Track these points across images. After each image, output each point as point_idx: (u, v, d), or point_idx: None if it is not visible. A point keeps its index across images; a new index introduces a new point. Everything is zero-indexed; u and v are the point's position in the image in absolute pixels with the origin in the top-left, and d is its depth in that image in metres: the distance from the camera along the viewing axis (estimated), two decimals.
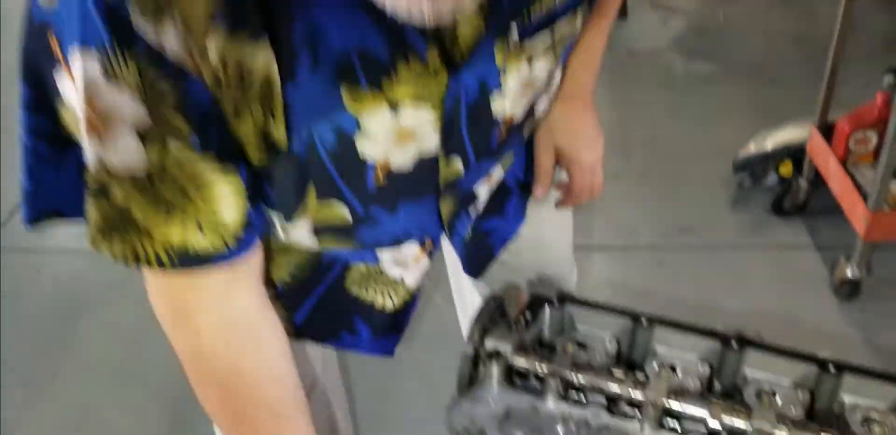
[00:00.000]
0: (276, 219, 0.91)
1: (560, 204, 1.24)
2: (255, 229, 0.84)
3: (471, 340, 0.91)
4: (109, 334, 2.31)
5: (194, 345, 0.86)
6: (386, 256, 1.03)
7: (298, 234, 0.94)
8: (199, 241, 0.79)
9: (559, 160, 1.18)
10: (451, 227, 1.07)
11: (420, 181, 0.92)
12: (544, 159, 1.16)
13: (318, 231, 0.93)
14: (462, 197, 1.03)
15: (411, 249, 1.03)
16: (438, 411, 2.06)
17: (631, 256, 2.59)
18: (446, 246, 1.32)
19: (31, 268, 2.62)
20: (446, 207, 1.00)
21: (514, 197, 1.19)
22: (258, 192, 0.83)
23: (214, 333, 0.85)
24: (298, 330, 1.04)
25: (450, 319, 2.41)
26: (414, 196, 0.95)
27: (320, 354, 1.18)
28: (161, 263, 0.80)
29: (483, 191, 1.09)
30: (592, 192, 1.21)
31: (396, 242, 1.01)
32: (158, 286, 0.86)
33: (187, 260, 0.80)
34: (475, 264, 1.21)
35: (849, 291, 2.29)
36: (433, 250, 1.07)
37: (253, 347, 0.88)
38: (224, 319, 0.85)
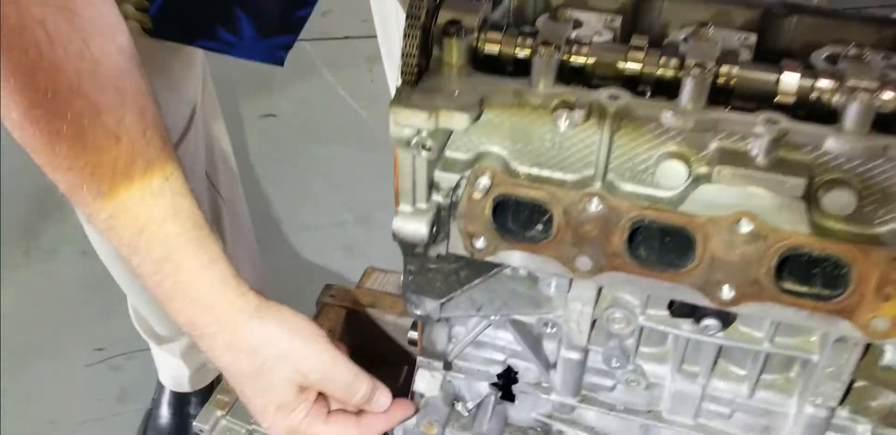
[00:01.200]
0: None
1: None
2: None
3: (415, 8, 0.60)
4: None
5: None
6: None
7: None
8: None
9: None
10: None
11: None
12: None
13: None
14: None
15: None
16: (354, 213, 1.76)
17: None
18: None
19: None
20: None
21: None
22: None
23: None
24: (157, 25, 0.75)
25: (353, 110, 2.09)
26: None
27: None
28: None
29: None
30: None
31: None
32: None
33: None
34: None
35: None
36: None
37: (63, 22, 0.61)
38: None
